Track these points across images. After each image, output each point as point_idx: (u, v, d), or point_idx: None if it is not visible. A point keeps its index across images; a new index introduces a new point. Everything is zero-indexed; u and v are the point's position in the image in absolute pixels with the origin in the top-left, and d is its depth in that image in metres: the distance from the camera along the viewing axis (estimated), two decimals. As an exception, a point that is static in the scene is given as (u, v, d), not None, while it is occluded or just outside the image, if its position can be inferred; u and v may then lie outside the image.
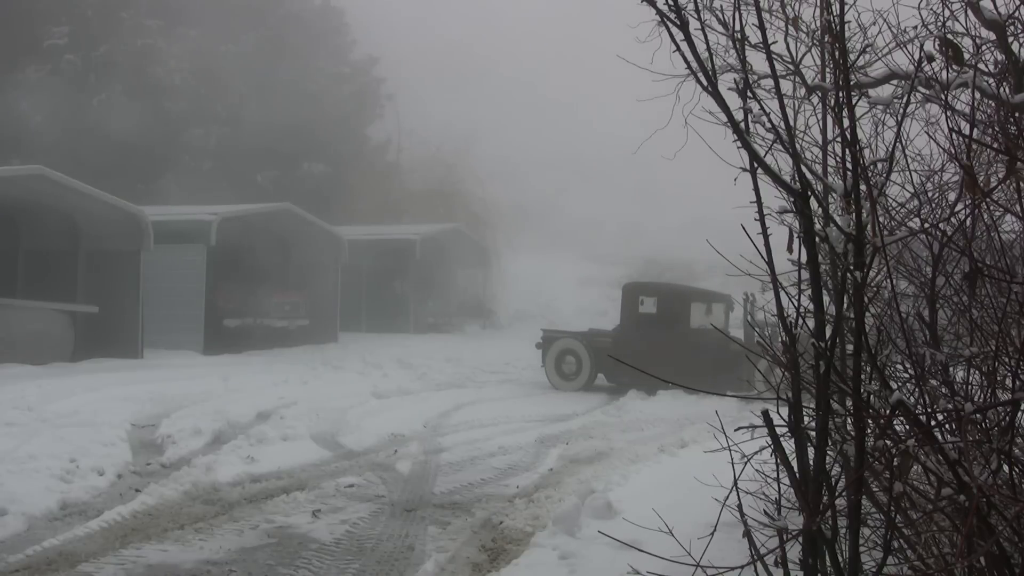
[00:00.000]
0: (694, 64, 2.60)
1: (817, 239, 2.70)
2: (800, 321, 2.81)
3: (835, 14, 2.67)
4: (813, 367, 2.71)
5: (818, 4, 3.13)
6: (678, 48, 2.60)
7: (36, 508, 7.13)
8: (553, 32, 47.27)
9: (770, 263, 2.78)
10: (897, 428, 2.59)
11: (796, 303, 2.88)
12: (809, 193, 2.63)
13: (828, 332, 2.70)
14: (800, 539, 2.67)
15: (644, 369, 3.99)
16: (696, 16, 2.66)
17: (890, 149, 2.98)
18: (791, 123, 3.14)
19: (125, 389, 13.79)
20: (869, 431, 2.58)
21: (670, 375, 3.62)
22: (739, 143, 2.66)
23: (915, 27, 3.61)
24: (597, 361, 17.48)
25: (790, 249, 2.82)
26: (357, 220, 35.77)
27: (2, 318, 17.10)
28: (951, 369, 3.04)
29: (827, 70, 3.68)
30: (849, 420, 2.82)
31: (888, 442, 2.57)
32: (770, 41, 2.85)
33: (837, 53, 2.77)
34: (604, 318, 25.22)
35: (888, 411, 2.49)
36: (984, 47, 3.46)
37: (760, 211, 2.69)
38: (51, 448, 9.09)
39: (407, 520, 7.37)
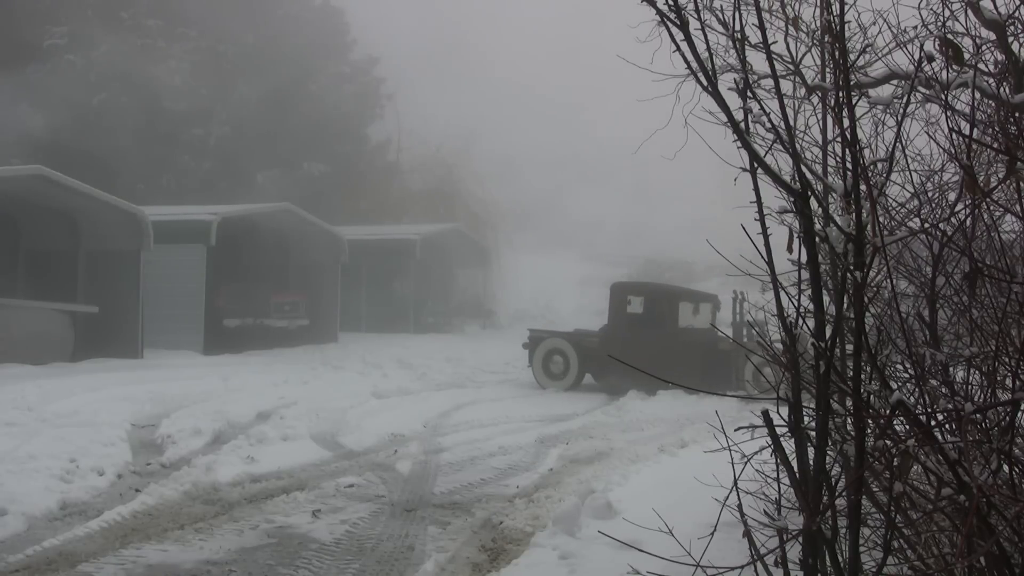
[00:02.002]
0: (694, 64, 2.59)
1: (817, 239, 2.70)
2: (800, 321, 2.81)
3: (835, 14, 2.67)
4: (813, 367, 2.71)
5: (818, 4, 3.13)
6: (678, 48, 2.59)
7: (36, 508, 7.14)
8: (553, 32, 47.41)
9: (770, 263, 2.78)
10: (897, 428, 2.58)
11: (796, 303, 2.88)
12: (809, 193, 2.63)
13: (828, 332, 2.69)
14: (800, 539, 2.67)
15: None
16: (696, 16, 2.66)
17: (890, 149, 2.98)
18: (791, 123, 3.14)
19: (125, 389, 13.80)
20: (869, 431, 2.58)
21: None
22: (739, 143, 2.66)
23: (915, 27, 3.61)
24: (584, 361, 17.49)
25: (790, 249, 2.82)
26: (357, 220, 35.80)
27: (2, 318, 17.11)
28: (951, 369, 3.04)
29: (827, 70, 3.68)
30: (849, 420, 2.82)
31: (888, 442, 2.57)
32: (770, 41, 2.85)
33: (837, 53, 2.77)
34: (603, 318, 25.19)
35: (888, 411, 2.49)
36: (984, 47, 3.46)
37: (760, 211, 2.69)
38: (51, 448, 9.10)
39: (407, 520, 7.37)
